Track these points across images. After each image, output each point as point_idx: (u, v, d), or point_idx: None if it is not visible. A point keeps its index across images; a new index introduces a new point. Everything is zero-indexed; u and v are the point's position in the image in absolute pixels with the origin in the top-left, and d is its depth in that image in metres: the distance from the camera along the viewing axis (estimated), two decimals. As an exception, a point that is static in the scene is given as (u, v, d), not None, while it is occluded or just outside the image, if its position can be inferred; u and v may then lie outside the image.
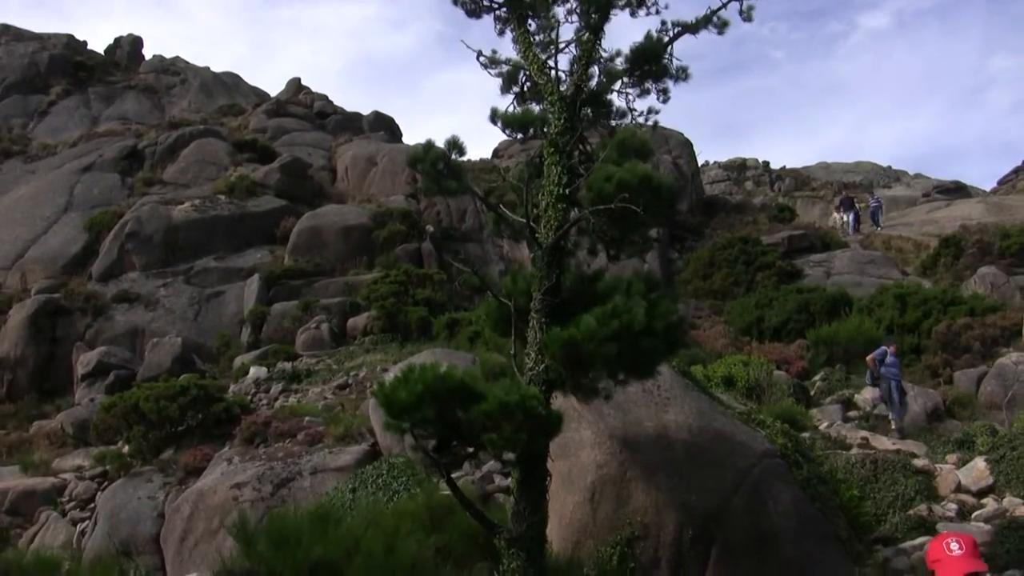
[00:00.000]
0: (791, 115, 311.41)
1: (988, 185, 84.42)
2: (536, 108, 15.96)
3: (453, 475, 16.13)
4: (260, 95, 74.29)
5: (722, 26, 15.80)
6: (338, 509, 18.70)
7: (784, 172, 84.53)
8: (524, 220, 14.66)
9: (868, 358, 26.29)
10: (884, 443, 23.53)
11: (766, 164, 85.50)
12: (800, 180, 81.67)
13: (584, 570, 15.52)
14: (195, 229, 43.60)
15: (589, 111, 15.82)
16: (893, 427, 25.21)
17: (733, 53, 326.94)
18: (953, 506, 20.11)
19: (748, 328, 36.58)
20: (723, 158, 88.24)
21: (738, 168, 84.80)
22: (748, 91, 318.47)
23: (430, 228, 44.84)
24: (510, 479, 16.44)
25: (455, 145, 15.06)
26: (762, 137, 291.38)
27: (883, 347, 26.44)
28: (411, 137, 73.02)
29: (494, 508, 17.34)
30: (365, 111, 67.23)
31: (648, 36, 15.75)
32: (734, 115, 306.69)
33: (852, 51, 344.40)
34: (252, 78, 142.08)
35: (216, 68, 78.78)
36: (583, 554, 15.92)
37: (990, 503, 20.18)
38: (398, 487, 20.17)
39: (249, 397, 30.33)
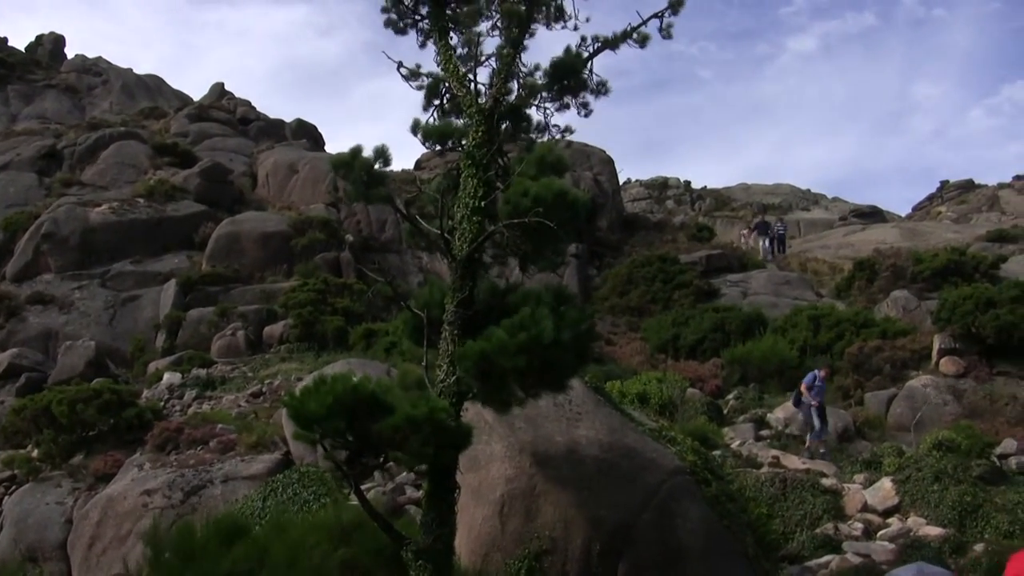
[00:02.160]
0: (715, 135, 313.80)
1: (904, 210, 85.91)
2: (458, 122, 16.00)
3: (364, 486, 16.15)
4: (183, 99, 73.71)
5: (642, 41, 15.90)
6: (247, 519, 18.59)
7: (705, 192, 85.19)
8: (440, 232, 14.69)
9: (803, 386, 26.36)
10: (794, 462, 23.80)
11: (687, 183, 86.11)
12: (720, 200, 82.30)
13: (492, 583, 15.57)
14: (112, 232, 43.09)
15: (508, 125, 15.87)
16: (805, 445, 25.45)
17: (661, 71, 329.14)
18: (859, 525, 20.41)
19: (664, 346, 36.77)
20: (645, 176, 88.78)
21: (659, 187, 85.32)
22: (674, 109, 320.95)
23: (350, 237, 44.69)
24: (421, 491, 16.43)
25: (381, 154, 15.09)
26: (685, 156, 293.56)
27: (812, 372, 26.64)
28: (334, 145, 72.88)
29: (405, 520, 17.31)
30: (289, 117, 67.01)
31: (568, 51, 15.84)
32: (659, 133, 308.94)
33: (779, 73, 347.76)
34: (175, 81, 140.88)
35: (139, 70, 78.20)
36: (491, 567, 15.95)
37: (895, 522, 20.51)
38: (308, 496, 20.11)
39: (162, 403, 30.03)
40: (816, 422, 25.55)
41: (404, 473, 20.45)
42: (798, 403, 26.44)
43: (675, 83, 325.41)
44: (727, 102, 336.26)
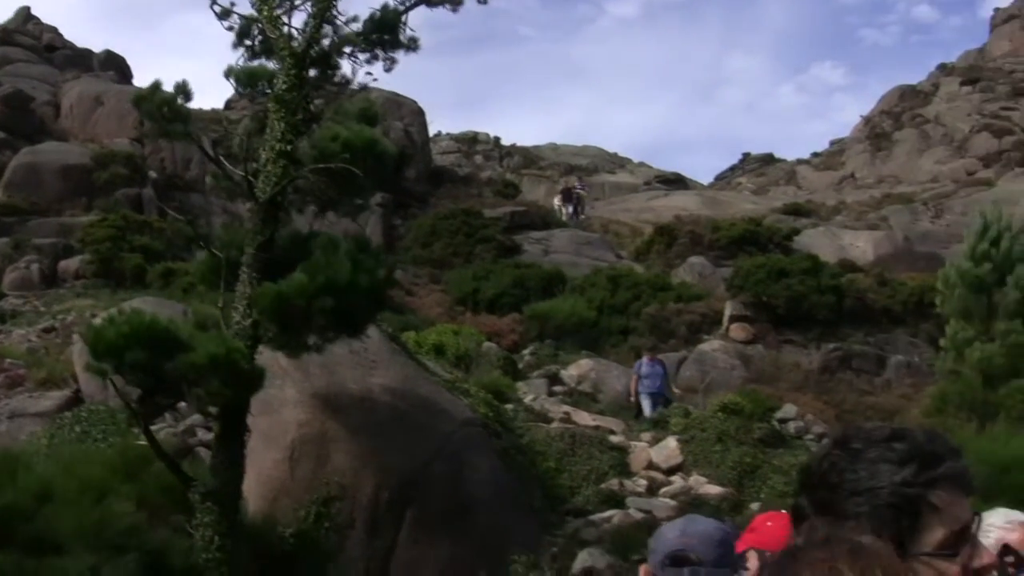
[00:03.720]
0: (531, 93, 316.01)
1: (707, 179, 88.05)
2: (269, 65, 15.90)
3: (155, 426, 15.97)
4: (-16, 22, 71.19)
5: (456, 3, 16.05)
6: (32, 454, 18.27)
7: (514, 149, 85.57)
8: (244, 174, 14.61)
9: (633, 380, 26.62)
10: (585, 418, 24.26)
11: (497, 140, 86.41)
12: (529, 159, 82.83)
13: (279, 528, 15.59)
14: (-98, 156, 41.63)
15: (317, 72, 15.83)
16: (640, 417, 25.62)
17: (480, 26, 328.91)
18: (643, 482, 20.97)
19: (464, 299, 37.08)
20: (456, 130, 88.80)
21: (469, 141, 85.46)
22: (492, 65, 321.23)
23: (153, 174, 43.91)
24: (212, 434, 16.36)
25: (182, 90, 14.91)
26: (499, 112, 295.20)
27: (638, 361, 26.80)
28: (143, 79, 71.07)
29: (196, 462, 17.22)
30: (98, 47, 65.20)
31: (386, 7, 15.85)
32: (475, 88, 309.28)
33: (598, 36, 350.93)
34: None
35: (-62, -11, 75.00)
36: (279, 512, 15.96)
37: (678, 480, 21.15)
38: (97, 435, 19.82)
39: (-52, 335, 29.22)
40: (647, 408, 25.78)
41: (195, 415, 20.31)
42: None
43: (495, 39, 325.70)
44: (546, 61, 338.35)
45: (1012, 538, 4.86)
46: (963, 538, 2.44)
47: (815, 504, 2.51)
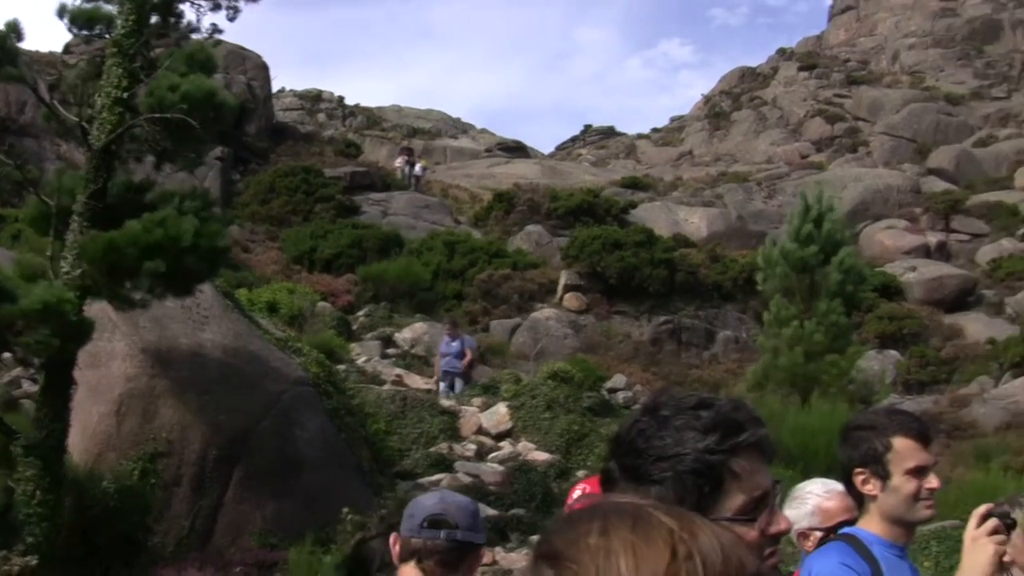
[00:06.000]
0: (378, 53, 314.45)
1: (548, 149, 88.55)
2: (107, 7, 15.48)
3: (-23, 377, 15.60)
4: None
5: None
6: None
7: (358, 109, 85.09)
8: (78, 120, 14.26)
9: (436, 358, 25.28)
10: (417, 382, 24.31)
11: (341, 99, 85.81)
12: (372, 119, 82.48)
13: (104, 483, 15.32)
14: None
15: (158, 18, 15.48)
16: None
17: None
18: (472, 446, 21.08)
19: (301, 257, 36.85)
20: (300, 87, 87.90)
21: (313, 99, 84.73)
22: (340, 22, 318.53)
23: (-17, 117, 42.70)
24: (37, 386, 16.00)
25: (13, 29, 14.46)
26: (346, 70, 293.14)
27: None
28: (-28, 18, 68.83)
29: (19, 415, 16.83)
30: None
31: (229, -49, 15.58)
32: (321, 45, 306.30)
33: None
34: None
35: None
36: (104, 467, 15.69)
37: (507, 446, 21.30)
38: (-85, 384, 19.31)
39: None
40: (441, 390, 24.48)
41: (19, 368, 19.86)
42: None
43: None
44: (395, 21, 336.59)
45: (829, 506, 5.02)
46: (763, 504, 2.51)
47: (623, 469, 2.55)
